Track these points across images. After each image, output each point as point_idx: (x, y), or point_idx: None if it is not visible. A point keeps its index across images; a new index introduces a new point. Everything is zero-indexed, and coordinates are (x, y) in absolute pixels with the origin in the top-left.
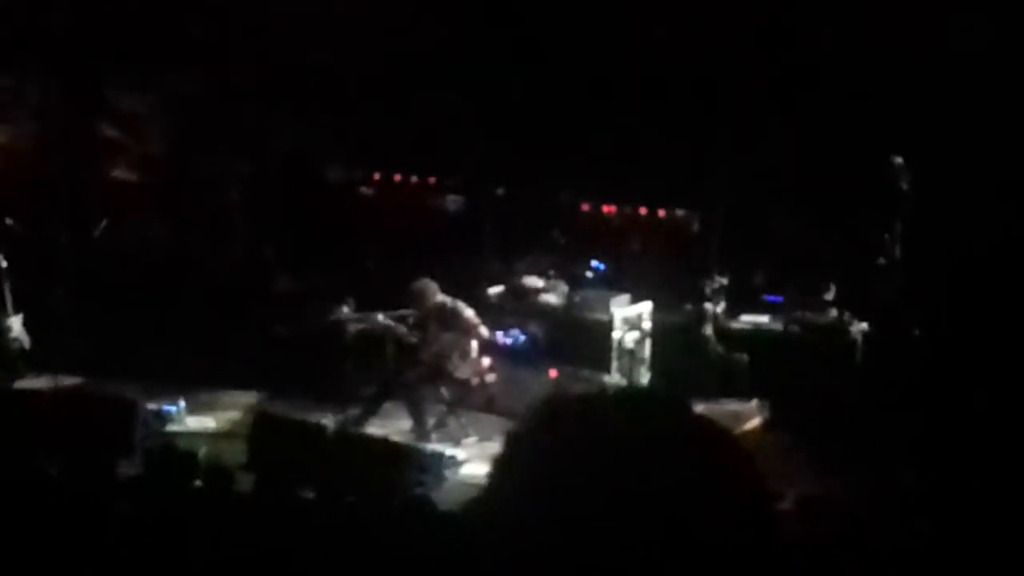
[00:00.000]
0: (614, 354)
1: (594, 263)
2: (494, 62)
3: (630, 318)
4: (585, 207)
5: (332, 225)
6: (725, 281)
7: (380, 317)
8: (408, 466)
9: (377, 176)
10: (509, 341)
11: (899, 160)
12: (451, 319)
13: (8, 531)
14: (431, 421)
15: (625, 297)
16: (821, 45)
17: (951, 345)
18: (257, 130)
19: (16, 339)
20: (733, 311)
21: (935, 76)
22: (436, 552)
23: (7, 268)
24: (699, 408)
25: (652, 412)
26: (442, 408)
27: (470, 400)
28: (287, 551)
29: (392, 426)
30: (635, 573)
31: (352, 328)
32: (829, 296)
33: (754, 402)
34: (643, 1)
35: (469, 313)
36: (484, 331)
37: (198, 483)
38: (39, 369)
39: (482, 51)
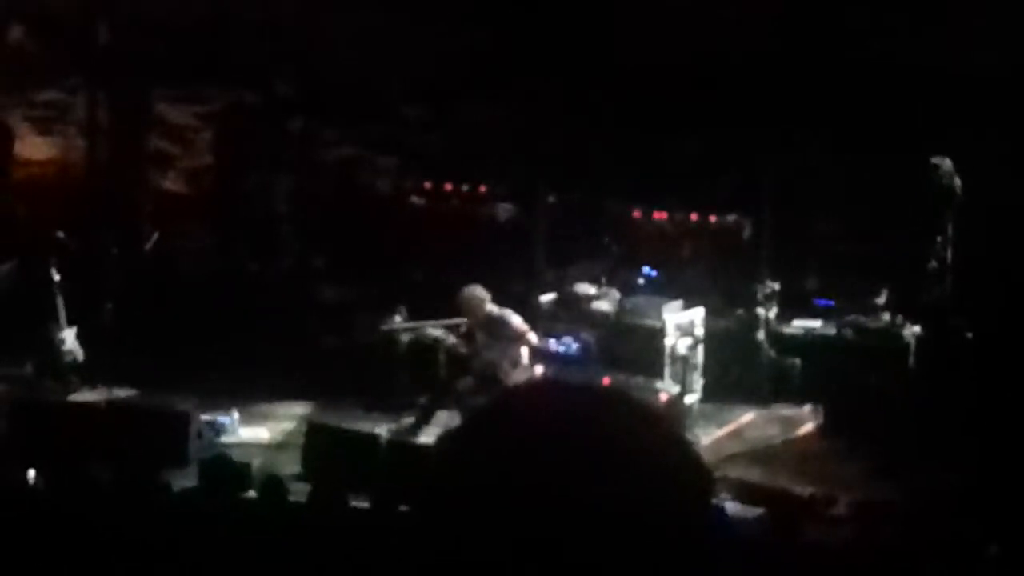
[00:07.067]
0: (667, 360)
1: (645, 269)
2: (543, 69)
3: (682, 324)
4: (636, 214)
5: (383, 235)
6: (777, 286)
7: (431, 327)
8: None
9: (427, 185)
10: (561, 349)
11: (949, 162)
12: (499, 327)
13: (66, 542)
14: None
15: (677, 303)
16: (870, 46)
17: (1003, 347)
18: (306, 140)
19: (70, 352)
20: (785, 316)
21: (985, 77)
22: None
23: (60, 281)
24: (751, 414)
25: (595, 402)
26: None
27: None
28: (341, 561)
29: None
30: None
31: (404, 338)
32: (881, 300)
33: (807, 407)
34: (691, 8)
35: (517, 320)
36: (533, 338)
37: (252, 494)
38: (93, 382)
39: (531, 58)
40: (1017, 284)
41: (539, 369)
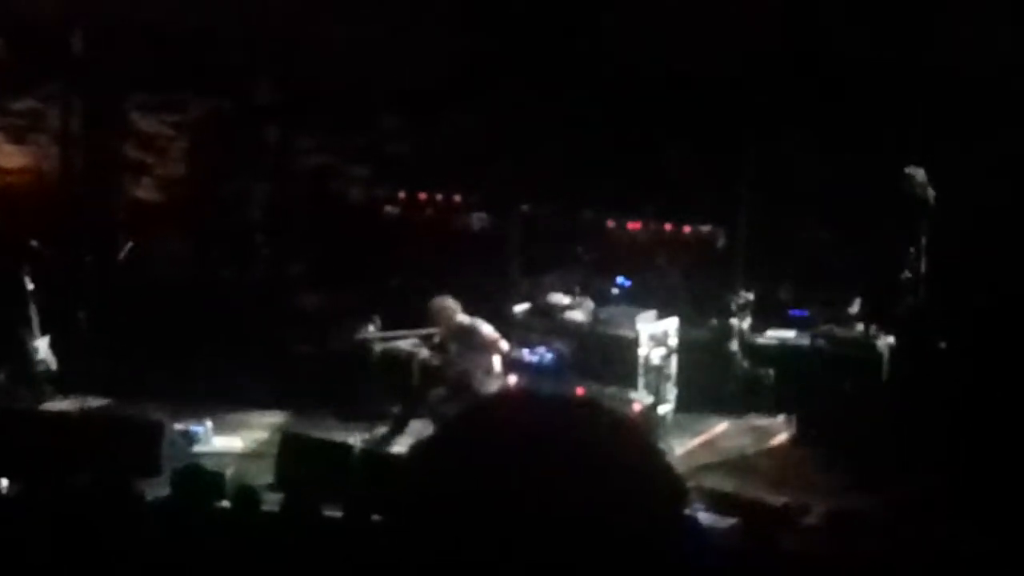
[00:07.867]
0: (640, 370)
1: (619, 279)
2: (519, 80)
3: (656, 334)
4: (610, 223)
5: (358, 244)
6: (751, 296)
7: (404, 338)
8: None
9: (402, 194)
10: (535, 359)
11: (922, 171)
12: (470, 336)
13: (39, 551)
14: None
15: (651, 313)
16: (845, 56)
17: (977, 357)
18: (281, 149)
19: (43, 361)
20: (759, 326)
21: (961, 87)
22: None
23: (33, 290)
24: (725, 424)
25: (566, 412)
26: None
27: None
28: (314, 570)
29: None
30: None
31: (378, 347)
32: (854, 310)
33: (780, 417)
34: (666, 17)
35: (487, 329)
36: (504, 345)
37: (225, 503)
38: (66, 391)
39: (507, 69)
40: (991, 294)
41: (512, 379)
